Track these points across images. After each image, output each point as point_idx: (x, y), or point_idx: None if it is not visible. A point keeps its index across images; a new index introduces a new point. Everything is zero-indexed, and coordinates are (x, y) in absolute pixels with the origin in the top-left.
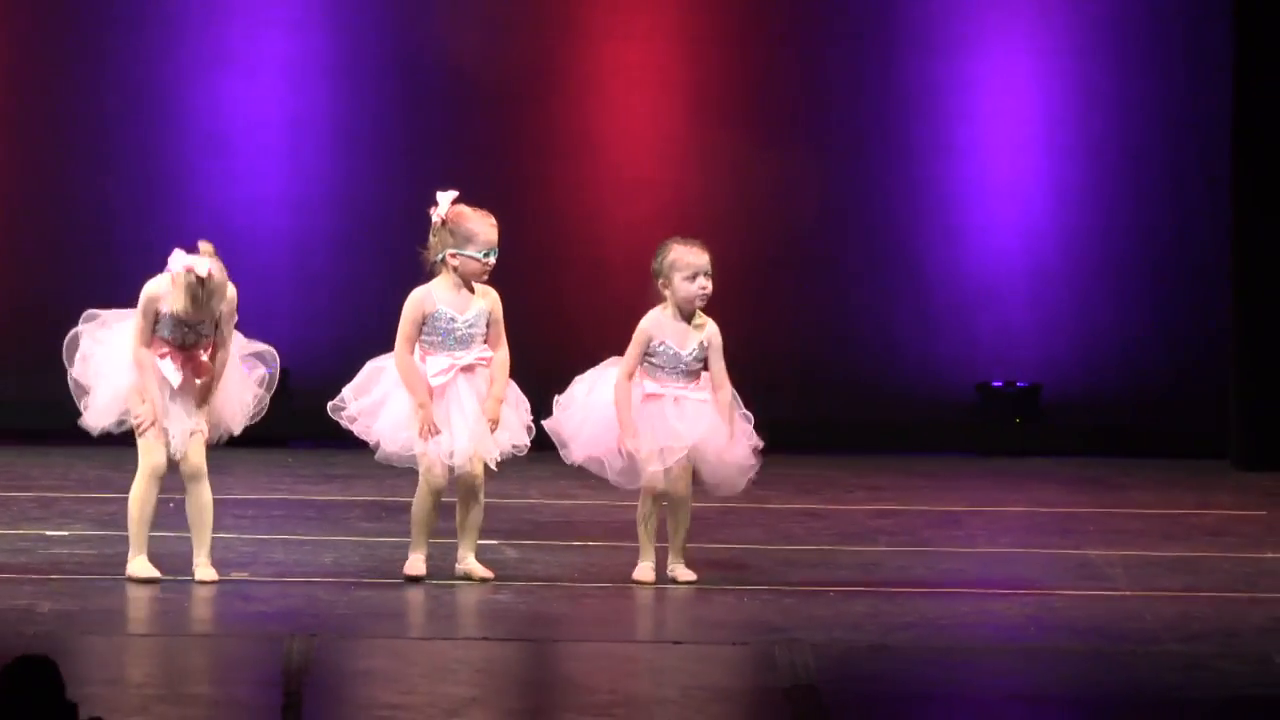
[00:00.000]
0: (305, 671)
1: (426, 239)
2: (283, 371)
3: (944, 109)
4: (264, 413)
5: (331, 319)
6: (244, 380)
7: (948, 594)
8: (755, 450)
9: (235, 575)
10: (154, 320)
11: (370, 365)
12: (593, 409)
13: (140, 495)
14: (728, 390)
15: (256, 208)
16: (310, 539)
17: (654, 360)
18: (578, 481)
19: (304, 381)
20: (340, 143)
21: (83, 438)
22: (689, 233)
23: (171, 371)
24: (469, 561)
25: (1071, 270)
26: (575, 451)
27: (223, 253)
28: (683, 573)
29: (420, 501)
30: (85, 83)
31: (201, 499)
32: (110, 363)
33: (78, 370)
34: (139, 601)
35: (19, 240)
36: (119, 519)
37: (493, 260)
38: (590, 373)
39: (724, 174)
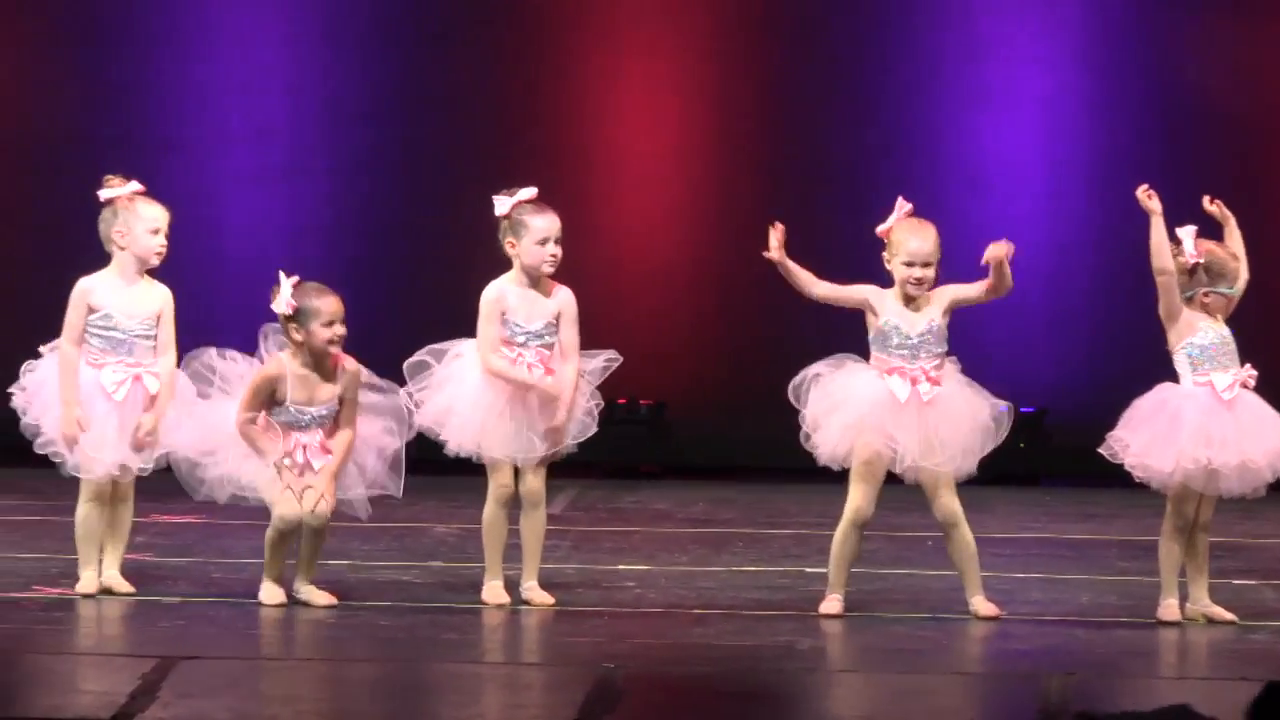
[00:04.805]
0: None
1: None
2: (1039, 411)
3: None
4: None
5: (1088, 358)
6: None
7: None
8: None
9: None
10: None
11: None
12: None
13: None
14: None
15: (1018, 246)
16: (1067, 578)
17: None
18: None
19: (1061, 420)
20: (1099, 182)
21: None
22: None
23: None
24: (1205, 602)
25: None
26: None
27: None
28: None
29: None
30: (843, 120)
31: None
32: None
33: None
34: (901, 638)
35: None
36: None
37: None
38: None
39: None
